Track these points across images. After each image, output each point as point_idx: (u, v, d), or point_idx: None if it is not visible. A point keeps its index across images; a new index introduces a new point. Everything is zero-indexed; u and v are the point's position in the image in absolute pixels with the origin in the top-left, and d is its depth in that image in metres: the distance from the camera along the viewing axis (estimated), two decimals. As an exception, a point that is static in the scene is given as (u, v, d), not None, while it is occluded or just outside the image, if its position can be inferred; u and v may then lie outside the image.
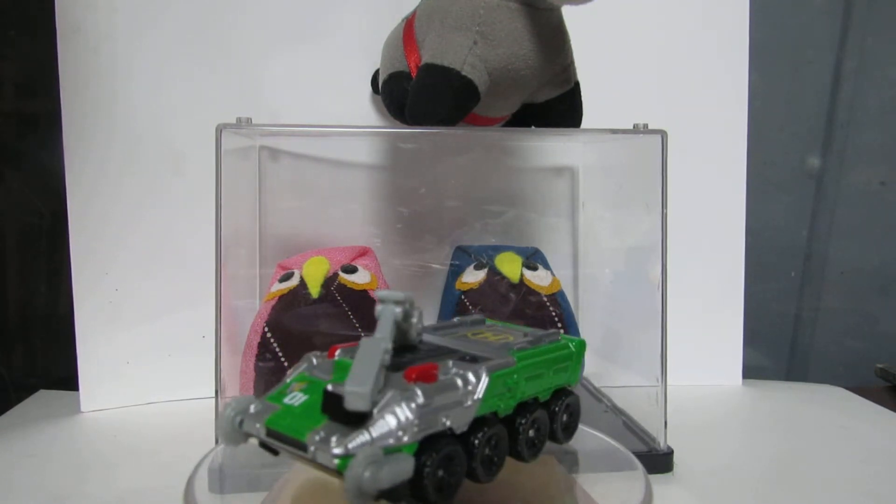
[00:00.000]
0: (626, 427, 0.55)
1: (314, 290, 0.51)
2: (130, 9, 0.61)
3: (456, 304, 0.56)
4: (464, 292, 0.56)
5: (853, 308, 0.81)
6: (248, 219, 0.61)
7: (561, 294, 0.58)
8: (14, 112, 0.72)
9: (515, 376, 0.31)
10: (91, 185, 0.62)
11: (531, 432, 0.33)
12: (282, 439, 0.27)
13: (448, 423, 0.27)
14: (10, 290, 0.73)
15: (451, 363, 0.30)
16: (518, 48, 0.46)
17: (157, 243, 0.63)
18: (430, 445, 0.27)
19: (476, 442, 0.29)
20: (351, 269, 0.54)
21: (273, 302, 0.52)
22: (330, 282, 0.52)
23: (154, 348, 0.64)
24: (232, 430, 0.29)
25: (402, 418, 0.25)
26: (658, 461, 0.50)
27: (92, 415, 0.61)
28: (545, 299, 0.56)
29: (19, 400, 0.66)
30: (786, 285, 0.81)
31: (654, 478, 0.35)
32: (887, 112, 0.79)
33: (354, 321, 0.50)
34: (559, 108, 0.52)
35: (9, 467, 0.50)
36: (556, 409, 0.35)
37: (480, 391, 0.28)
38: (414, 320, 0.33)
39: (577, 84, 0.52)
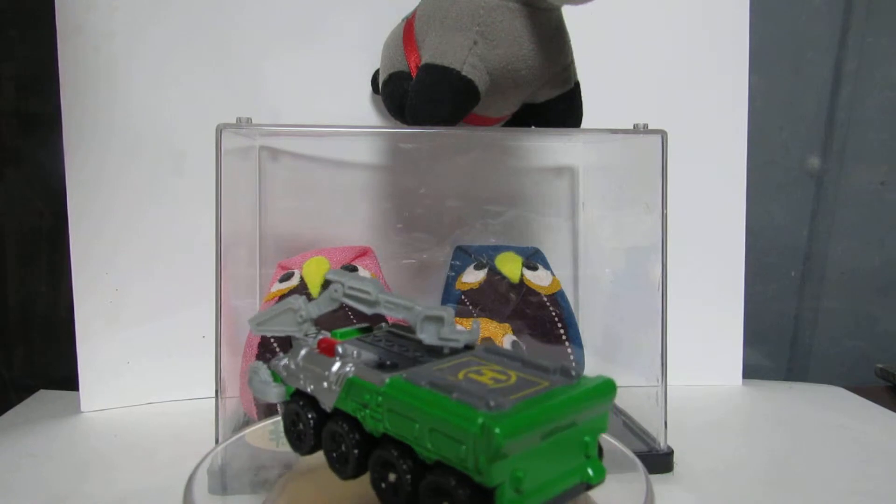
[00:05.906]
0: (626, 427, 0.55)
1: (314, 290, 0.51)
2: (130, 9, 0.61)
3: (456, 304, 0.56)
4: (464, 292, 0.56)
5: (853, 308, 0.81)
6: (248, 219, 0.61)
7: (561, 294, 0.58)
8: (14, 112, 0.72)
9: (380, 398, 0.27)
10: (91, 185, 0.62)
11: (381, 475, 0.27)
12: None
13: (309, 391, 0.32)
14: (10, 290, 0.73)
15: (358, 353, 0.32)
16: (518, 48, 0.46)
17: (157, 243, 0.63)
18: (295, 399, 0.33)
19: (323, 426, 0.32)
20: (351, 269, 0.54)
21: (273, 302, 0.52)
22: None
23: (154, 348, 0.64)
24: None
25: (285, 363, 0.33)
26: (658, 461, 0.50)
27: (92, 415, 0.61)
28: (545, 299, 0.56)
29: (19, 400, 0.66)
30: (786, 285, 0.81)
31: (654, 478, 0.35)
32: (887, 112, 0.78)
33: (354, 321, 0.50)
34: (559, 108, 0.52)
35: (9, 467, 0.50)
36: (425, 484, 0.25)
37: (338, 386, 0.30)
38: (419, 316, 0.33)
39: (577, 84, 0.52)
